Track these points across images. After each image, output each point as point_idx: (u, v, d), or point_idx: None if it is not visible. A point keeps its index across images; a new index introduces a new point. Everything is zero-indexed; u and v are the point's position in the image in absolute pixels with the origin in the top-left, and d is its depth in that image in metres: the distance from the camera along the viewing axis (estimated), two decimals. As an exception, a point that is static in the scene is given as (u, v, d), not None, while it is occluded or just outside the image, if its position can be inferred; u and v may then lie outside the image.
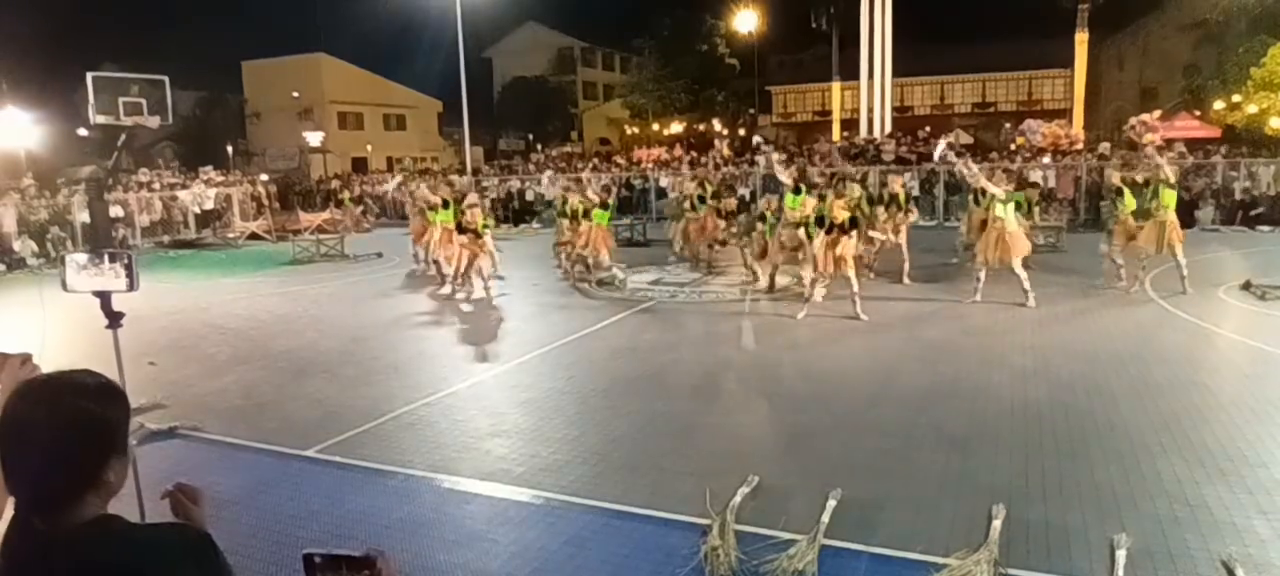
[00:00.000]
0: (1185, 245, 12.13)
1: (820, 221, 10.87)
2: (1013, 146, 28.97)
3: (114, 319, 3.23)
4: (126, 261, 3.02)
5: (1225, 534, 4.77)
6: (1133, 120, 14.70)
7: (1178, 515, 5.02)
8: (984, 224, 12.00)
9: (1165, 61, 45.48)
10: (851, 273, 10.80)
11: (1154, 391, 7.54)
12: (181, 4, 60.70)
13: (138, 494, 3.19)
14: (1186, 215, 20.48)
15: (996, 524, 4.82)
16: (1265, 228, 20.61)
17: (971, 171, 12.60)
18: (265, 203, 29.03)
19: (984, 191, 12.18)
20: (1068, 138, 28.10)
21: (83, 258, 3.05)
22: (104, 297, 3.09)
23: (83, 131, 34.26)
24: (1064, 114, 38.25)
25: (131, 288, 3.03)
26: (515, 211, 28.57)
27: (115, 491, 1.67)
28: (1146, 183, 12.16)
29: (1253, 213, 21.47)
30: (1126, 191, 12.37)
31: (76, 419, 1.61)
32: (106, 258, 3.04)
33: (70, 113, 33.57)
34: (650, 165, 31.93)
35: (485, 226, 13.01)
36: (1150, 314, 10.98)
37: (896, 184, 15.30)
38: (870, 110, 35.27)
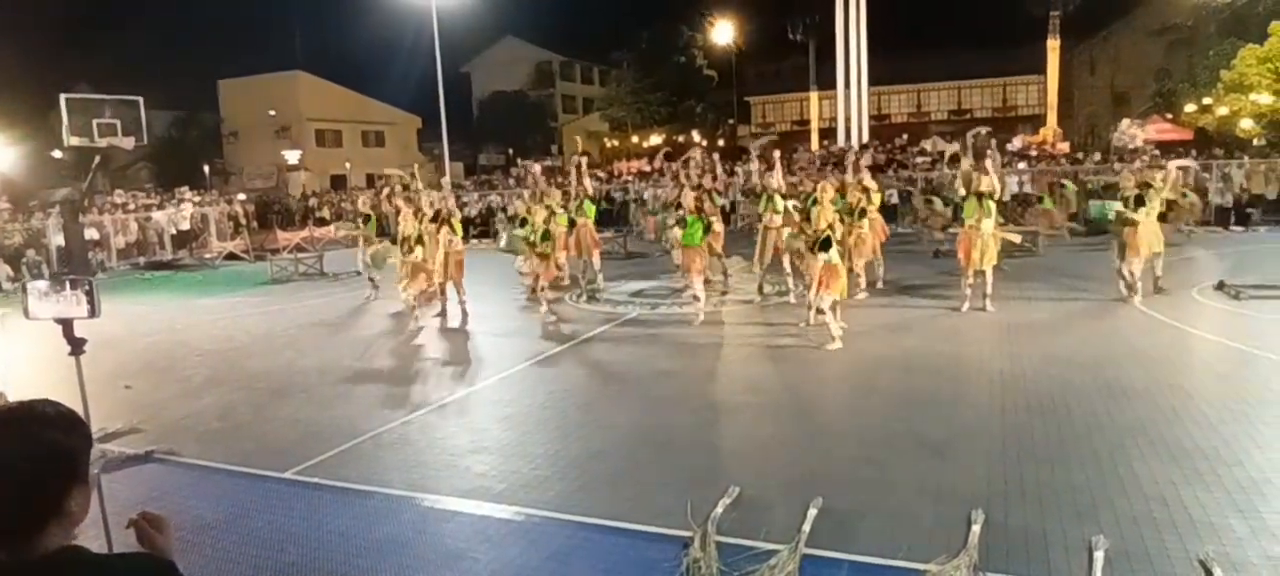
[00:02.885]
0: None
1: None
2: (989, 152, 29.31)
3: (76, 345, 3.19)
4: (87, 288, 2.98)
5: (1202, 533, 4.81)
6: (1133, 130, 14.76)
7: (1155, 516, 5.06)
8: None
9: (1136, 66, 46.13)
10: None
11: (1130, 393, 7.60)
12: (156, 24, 60.26)
13: (103, 522, 3.14)
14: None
15: (976, 529, 4.85)
16: (1238, 228, 20.90)
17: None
18: (242, 222, 28.85)
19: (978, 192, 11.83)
20: (1056, 145, 28.63)
21: (44, 285, 3.01)
22: (66, 324, 3.05)
23: (57, 153, 33.96)
24: (1039, 120, 38.66)
25: (93, 314, 2.99)
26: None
27: (79, 521, 1.65)
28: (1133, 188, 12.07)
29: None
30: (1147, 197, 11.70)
31: (37, 448, 1.59)
32: (67, 284, 3.00)
33: (44, 134, 33.23)
34: (631, 176, 31.99)
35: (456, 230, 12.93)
36: (1125, 316, 11.08)
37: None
38: (847, 119, 35.50)
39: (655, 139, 51.34)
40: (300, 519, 5.70)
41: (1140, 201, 11.57)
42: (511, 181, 34.88)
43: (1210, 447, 6.13)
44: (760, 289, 13.41)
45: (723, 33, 48.85)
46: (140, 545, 1.82)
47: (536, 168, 14.84)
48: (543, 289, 12.57)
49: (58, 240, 21.82)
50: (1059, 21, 32.81)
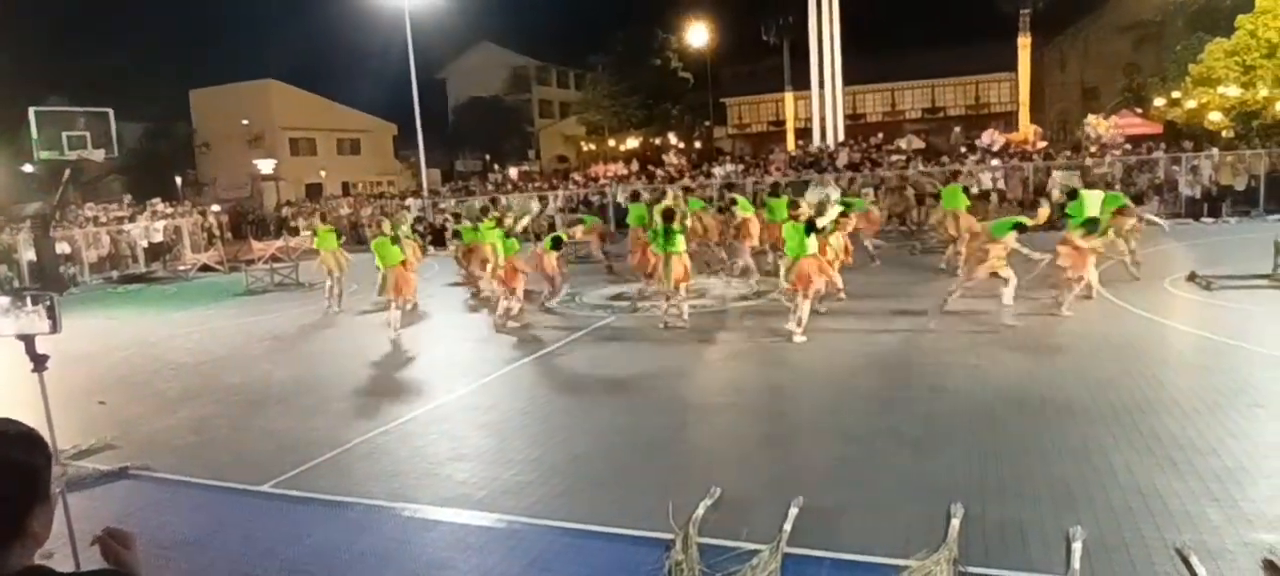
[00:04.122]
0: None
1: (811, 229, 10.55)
2: (963, 149, 29.60)
3: (39, 362, 3.13)
4: (48, 303, 2.93)
5: (1179, 522, 4.85)
6: (1098, 122, 15.07)
7: (1132, 505, 5.11)
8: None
9: (1106, 61, 46.65)
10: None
11: (1105, 385, 7.68)
12: (126, 35, 59.54)
13: (71, 541, 3.08)
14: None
15: (955, 523, 4.87)
16: (1208, 219, 21.17)
17: None
18: (216, 233, 28.56)
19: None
20: (1033, 145, 28.89)
21: (4, 301, 2.95)
22: (28, 341, 2.99)
23: (28, 167, 33.52)
24: (1011, 116, 38.99)
25: (54, 330, 2.94)
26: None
27: (42, 541, 1.63)
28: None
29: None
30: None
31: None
32: (29, 300, 2.94)
33: (15, 149, 32.80)
34: (608, 180, 31.97)
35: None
36: (1099, 309, 11.19)
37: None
38: (823, 119, 35.66)
39: (632, 142, 51.37)
40: (278, 532, 5.64)
41: (1072, 195, 11.87)
42: (490, 187, 34.74)
43: (1185, 437, 6.19)
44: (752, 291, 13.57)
45: (697, 35, 48.93)
46: (106, 562, 1.79)
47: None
48: (510, 296, 12.54)
49: (29, 255, 21.52)
50: (1029, 18, 33.10)
